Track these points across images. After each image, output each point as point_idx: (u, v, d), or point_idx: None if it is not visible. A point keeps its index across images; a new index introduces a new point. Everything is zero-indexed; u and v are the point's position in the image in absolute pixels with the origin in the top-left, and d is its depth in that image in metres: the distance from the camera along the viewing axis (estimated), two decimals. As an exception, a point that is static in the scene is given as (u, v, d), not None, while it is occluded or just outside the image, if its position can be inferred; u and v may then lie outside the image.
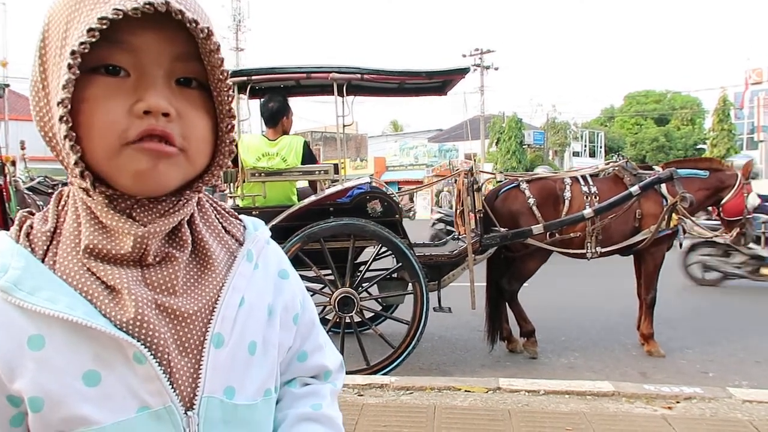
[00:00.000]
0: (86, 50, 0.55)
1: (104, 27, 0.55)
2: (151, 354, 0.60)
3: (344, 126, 4.49)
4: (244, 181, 4.31)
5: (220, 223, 0.74)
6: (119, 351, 0.59)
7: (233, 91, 0.65)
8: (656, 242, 4.84)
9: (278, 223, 4.17)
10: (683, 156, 38.43)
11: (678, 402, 3.43)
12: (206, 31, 0.59)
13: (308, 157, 4.50)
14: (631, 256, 5.09)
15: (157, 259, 0.64)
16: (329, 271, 4.22)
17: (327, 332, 3.94)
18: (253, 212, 4.27)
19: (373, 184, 4.67)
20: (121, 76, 0.59)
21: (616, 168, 5.10)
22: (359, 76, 4.35)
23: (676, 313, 6.17)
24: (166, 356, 0.61)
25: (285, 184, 4.48)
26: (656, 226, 4.74)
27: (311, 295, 4.54)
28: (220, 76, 0.62)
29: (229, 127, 0.66)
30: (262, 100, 4.55)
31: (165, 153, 0.60)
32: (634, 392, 3.55)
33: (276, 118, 4.44)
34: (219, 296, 0.66)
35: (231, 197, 4.68)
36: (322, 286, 4.36)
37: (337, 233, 4.17)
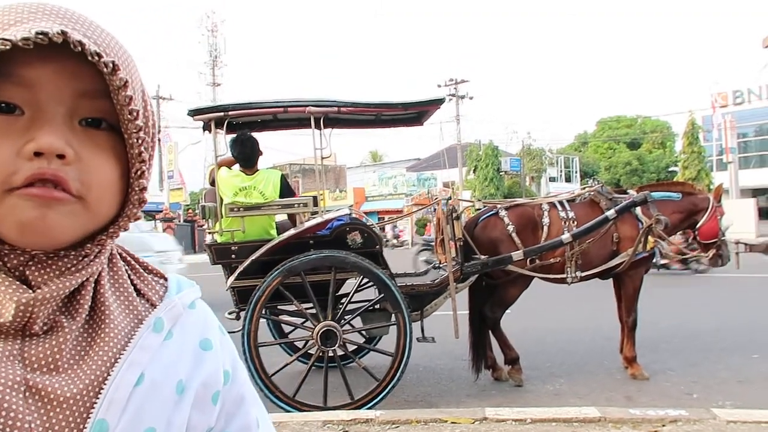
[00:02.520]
0: None
1: None
2: None
3: (323, 158, 4.50)
4: (222, 216, 4.29)
5: (133, 283, 0.65)
6: None
7: (145, 133, 0.58)
8: (634, 265, 4.90)
9: (258, 257, 4.13)
10: (656, 178, 39.31)
11: (664, 425, 3.42)
12: (111, 65, 0.53)
13: (286, 190, 4.49)
14: (611, 279, 5.14)
15: (45, 327, 0.55)
16: (311, 305, 4.18)
17: (309, 367, 3.87)
18: (233, 247, 4.23)
19: (353, 215, 4.67)
20: (15, 114, 0.53)
21: (592, 193, 5.18)
22: (336, 109, 4.38)
23: (657, 335, 6.21)
24: None
25: (263, 218, 4.45)
26: (633, 249, 4.80)
27: (292, 330, 4.50)
28: (129, 116, 0.56)
29: (139, 173, 0.58)
30: (231, 142, 4.56)
31: (54, 199, 0.52)
32: (621, 417, 3.54)
33: (252, 161, 4.49)
34: (110, 374, 0.56)
35: (210, 233, 4.64)
36: (304, 320, 4.31)
37: (317, 266, 4.14)
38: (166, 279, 0.69)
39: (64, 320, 0.56)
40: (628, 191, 5.34)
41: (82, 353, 0.57)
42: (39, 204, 0.52)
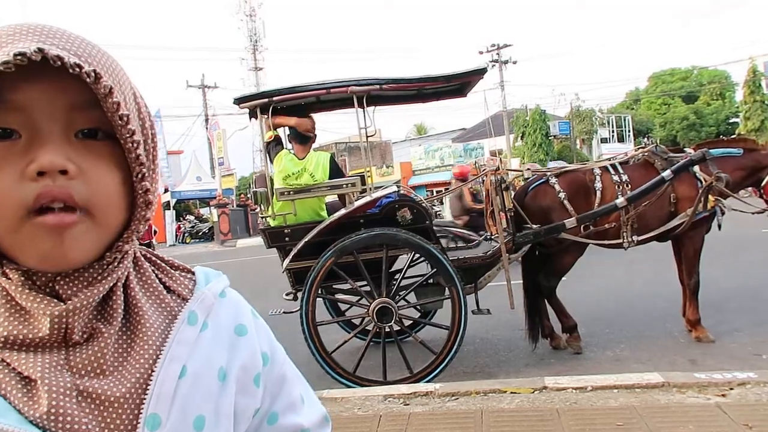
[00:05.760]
0: None
1: None
2: None
3: (368, 136, 4.52)
4: (273, 200, 4.39)
5: (161, 281, 0.67)
6: None
7: (139, 136, 0.58)
8: (694, 226, 4.73)
9: (311, 239, 4.22)
10: (716, 132, 37.53)
11: (732, 389, 3.34)
12: (93, 74, 0.53)
13: (335, 171, 4.56)
14: (670, 241, 4.99)
15: (85, 336, 0.57)
16: (365, 283, 4.25)
17: (368, 343, 3.95)
18: (286, 230, 4.34)
19: (402, 192, 4.69)
20: (13, 138, 0.54)
21: (646, 153, 5.01)
22: (378, 86, 4.39)
23: (720, 296, 5.99)
24: None
25: (313, 201, 4.53)
26: (693, 209, 4.64)
27: (348, 308, 4.60)
28: (120, 122, 0.55)
29: (140, 175, 0.59)
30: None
31: (66, 224, 0.54)
32: (685, 381, 3.47)
33: (309, 138, 4.57)
34: (153, 370, 0.59)
35: (263, 217, 4.77)
36: (359, 297, 4.39)
37: (369, 244, 4.20)
38: (193, 273, 0.71)
39: (102, 326, 0.58)
40: (685, 149, 5.14)
41: (125, 354, 0.59)
42: (54, 233, 0.53)
